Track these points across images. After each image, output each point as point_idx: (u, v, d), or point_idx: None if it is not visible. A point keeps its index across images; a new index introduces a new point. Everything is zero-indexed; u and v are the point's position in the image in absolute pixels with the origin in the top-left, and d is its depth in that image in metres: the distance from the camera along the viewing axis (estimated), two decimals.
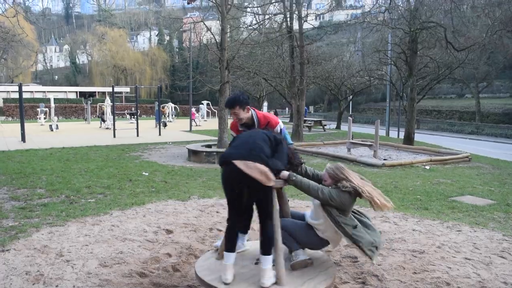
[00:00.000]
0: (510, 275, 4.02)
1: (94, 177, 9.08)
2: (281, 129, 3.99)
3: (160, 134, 20.50)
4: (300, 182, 3.42)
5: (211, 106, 37.83)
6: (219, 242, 3.97)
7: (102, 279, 3.87)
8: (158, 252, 4.59)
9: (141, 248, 4.68)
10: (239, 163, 3.10)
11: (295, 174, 3.48)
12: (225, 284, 3.20)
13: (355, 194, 3.41)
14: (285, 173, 3.40)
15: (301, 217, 3.79)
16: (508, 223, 5.84)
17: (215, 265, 3.58)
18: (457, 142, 25.13)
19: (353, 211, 3.62)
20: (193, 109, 31.28)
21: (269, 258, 3.27)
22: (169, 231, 5.31)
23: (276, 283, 3.20)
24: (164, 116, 31.05)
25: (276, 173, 3.31)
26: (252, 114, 3.92)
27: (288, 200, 3.87)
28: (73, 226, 5.44)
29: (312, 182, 3.46)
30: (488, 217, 6.14)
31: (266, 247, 3.29)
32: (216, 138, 14.55)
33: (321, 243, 3.61)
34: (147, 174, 9.61)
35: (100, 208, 6.35)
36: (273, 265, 3.27)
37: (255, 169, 3.08)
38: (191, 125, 24.80)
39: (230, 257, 3.31)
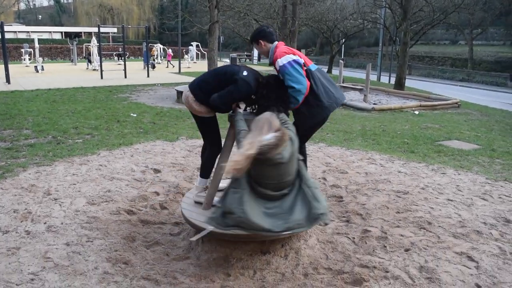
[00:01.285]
0: (490, 216, 4.13)
1: (81, 118, 8.97)
2: (280, 66, 3.33)
3: (148, 76, 20.14)
4: (236, 122, 3.22)
5: (200, 47, 36.99)
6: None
7: (90, 216, 3.91)
8: (145, 190, 4.62)
9: (128, 187, 4.70)
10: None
11: (238, 115, 3.27)
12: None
13: None
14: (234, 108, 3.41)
15: None
16: (492, 167, 5.94)
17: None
18: (448, 89, 25.12)
19: None
20: (169, 50, 30.36)
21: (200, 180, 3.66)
22: (156, 171, 5.32)
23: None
24: (153, 57, 30.36)
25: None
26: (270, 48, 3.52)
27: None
28: (60, 165, 5.43)
29: (244, 130, 3.09)
30: (473, 161, 6.24)
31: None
32: None
33: None
34: (135, 115, 9.52)
35: (88, 149, 6.31)
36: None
37: (186, 101, 3.50)
38: (179, 67, 24.33)
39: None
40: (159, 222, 3.92)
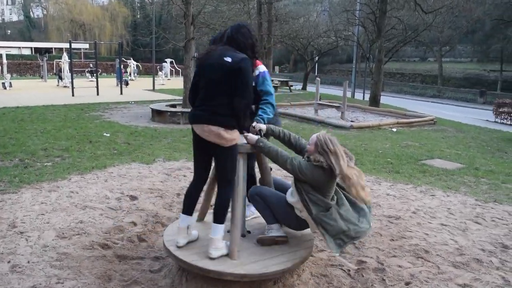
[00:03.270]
0: (487, 242, 3.97)
1: (51, 138, 8.50)
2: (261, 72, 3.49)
3: (121, 93, 19.64)
4: (268, 148, 3.03)
5: (175, 64, 36.64)
6: None
7: (60, 253, 3.53)
8: (121, 220, 4.26)
9: (103, 217, 4.33)
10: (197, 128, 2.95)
11: (264, 139, 3.10)
12: (178, 247, 3.09)
13: (331, 173, 2.92)
14: (253, 138, 3.06)
15: (286, 190, 3.36)
16: (479, 188, 5.85)
17: None
18: (420, 105, 25.55)
19: (343, 192, 3.13)
20: (122, 66, 27.54)
21: (219, 227, 3.01)
22: (133, 197, 4.97)
23: (227, 255, 3.00)
24: (126, 74, 29.76)
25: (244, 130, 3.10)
26: None
27: (271, 169, 3.52)
28: (28, 193, 5.01)
29: (281, 151, 3.03)
30: (459, 181, 6.13)
31: (216, 215, 3.04)
32: (181, 97, 14.04)
33: (299, 224, 3.19)
34: (108, 135, 9.11)
35: (58, 173, 5.90)
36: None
37: (211, 134, 2.88)
38: (153, 84, 23.89)
39: (185, 219, 3.15)
40: (137, 257, 3.58)
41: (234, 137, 2.92)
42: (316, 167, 2.93)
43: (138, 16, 66.80)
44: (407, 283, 3.20)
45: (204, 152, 3.08)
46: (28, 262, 3.35)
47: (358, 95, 26.91)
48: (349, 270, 3.42)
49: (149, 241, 3.88)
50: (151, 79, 24.67)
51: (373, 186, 5.69)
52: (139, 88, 24.10)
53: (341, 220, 2.95)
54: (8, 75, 22.59)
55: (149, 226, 4.17)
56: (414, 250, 3.74)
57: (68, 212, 4.42)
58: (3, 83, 21.17)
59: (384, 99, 23.38)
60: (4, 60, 25.13)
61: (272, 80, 23.63)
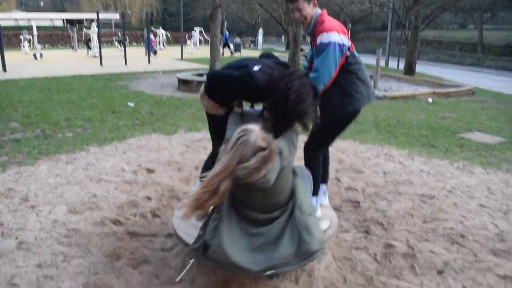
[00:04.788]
0: None
1: (75, 108, 8.43)
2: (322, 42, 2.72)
3: (149, 62, 19.51)
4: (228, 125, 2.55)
5: (203, 33, 36.19)
6: None
7: (69, 229, 3.38)
8: (136, 195, 4.08)
9: (117, 191, 4.16)
10: None
11: (233, 117, 2.64)
12: None
13: None
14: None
15: None
16: None
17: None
18: (457, 73, 24.33)
19: None
20: (152, 35, 26.57)
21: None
22: (150, 170, 4.77)
23: None
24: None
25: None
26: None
27: None
28: (44, 165, 4.89)
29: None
30: (501, 157, 5.65)
31: None
32: (208, 66, 13.74)
33: None
34: (132, 105, 8.97)
35: (77, 144, 5.78)
36: None
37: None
38: (182, 53, 23.63)
39: None
40: (150, 234, 3.39)
41: None
42: None
43: None
44: (439, 272, 2.88)
45: None
46: (36, 238, 3.21)
47: (393, 64, 25.89)
48: (375, 254, 3.13)
49: (163, 217, 3.69)
50: (179, 47, 24.42)
51: (405, 162, 5.30)
52: (168, 57, 23.94)
53: None
54: (39, 46, 22.83)
55: (164, 201, 3.98)
56: (449, 234, 3.40)
57: (82, 185, 4.27)
58: (34, 54, 21.39)
59: (421, 67, 22.38)
60: (35, 32, 25.39)
61: (302, 49, 22.93)
